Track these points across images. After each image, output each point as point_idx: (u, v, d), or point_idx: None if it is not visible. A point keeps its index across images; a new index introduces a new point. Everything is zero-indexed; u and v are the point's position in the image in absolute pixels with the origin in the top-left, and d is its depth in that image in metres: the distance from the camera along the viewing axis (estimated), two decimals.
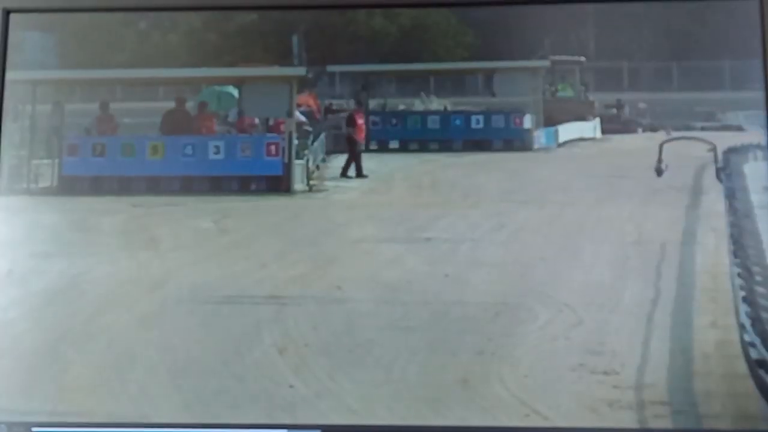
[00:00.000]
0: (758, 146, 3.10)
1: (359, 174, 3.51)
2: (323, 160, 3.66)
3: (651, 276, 3.02)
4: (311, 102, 3.69)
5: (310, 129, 3.65)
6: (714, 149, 3.28)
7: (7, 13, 3.20)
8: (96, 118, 3.50)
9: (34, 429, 2.89)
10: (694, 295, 3.02)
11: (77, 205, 3.36)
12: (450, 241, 3.20)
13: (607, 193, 3.17)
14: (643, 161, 3.18)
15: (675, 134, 3.33)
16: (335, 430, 2.84)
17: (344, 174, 3.53)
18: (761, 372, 2.83)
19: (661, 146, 3.23)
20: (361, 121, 3.60)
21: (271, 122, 3.63)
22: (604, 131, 3.56)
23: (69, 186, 3.42)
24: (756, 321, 2.93)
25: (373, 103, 3.77)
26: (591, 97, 3.62)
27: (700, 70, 3.33)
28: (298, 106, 3.61)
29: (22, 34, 3.26)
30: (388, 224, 3.28)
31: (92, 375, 2.99)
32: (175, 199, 3.39)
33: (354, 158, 3.55)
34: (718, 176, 3.22)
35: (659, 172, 3.19)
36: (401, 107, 3.77)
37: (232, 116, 3.66)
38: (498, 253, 3.15)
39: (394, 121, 3.75)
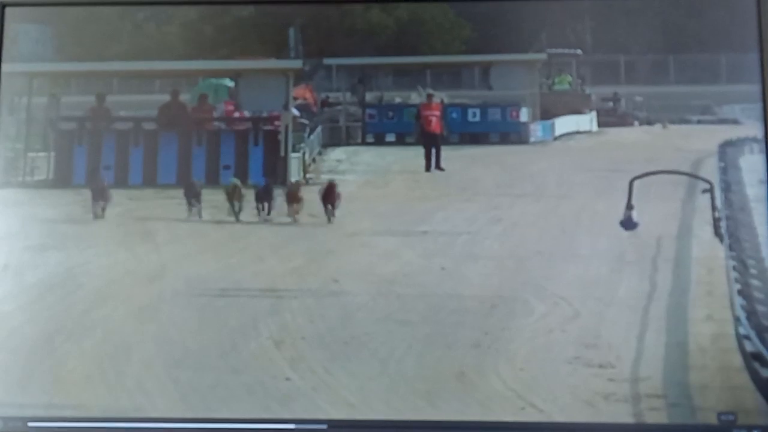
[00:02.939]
0: (754, 139, 3.10)
1: (437, 166, 3.46)
2: (320, 153, 3.65)
3: (647, 269, 3.02)
4: (308, 95, 3.68)
5: (306, 122, 3.64)
6: (710, 190, 3.02)
7: (3, 6, 3.19)
8: (90, 108, 3.48)
9: (30, 424, 2.89)
10: (690, 288, 3.02)
11: (73, 198, 3.35)
12: (446, 234, 3.20)
13: (604, 186, 3.17)
14: (640, 155, 3.18)
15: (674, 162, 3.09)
16: (341, 425, 2.84)
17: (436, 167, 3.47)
18: (756, 365, 2.84)
19: (631, 184, 2.97)
20: (427, 112, 3.56)
21: (264, 114, 3.62)
22: (600, 124, 3.55)
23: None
24: (751, 314, 2.93)
25: (369, 96, 3.76)
26: (587, 90, 3.62)
27: (697, 63, 3.33)
28: (294, 99, 3.60)
29: (18, 26, 3.25)
30: (385, 217, 3.27)
31: (88, 368, 2.98)
32: (171, 192, 3.39)
33: (430, 151, 3.48)
34: (716, 231, 2.97)
35: (628, 223, 2.86)
36: (398, 100, 3.76)
37: (219, 111, 3.63)
38: (494, 246, 3.15)
39: (390, 114, 3.75)
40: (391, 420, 2.83)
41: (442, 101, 3.65)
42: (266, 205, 3.38)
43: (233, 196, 3.37)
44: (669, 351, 2.89)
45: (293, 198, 3.40)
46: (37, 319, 3.06)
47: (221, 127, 3.60)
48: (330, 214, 3.24)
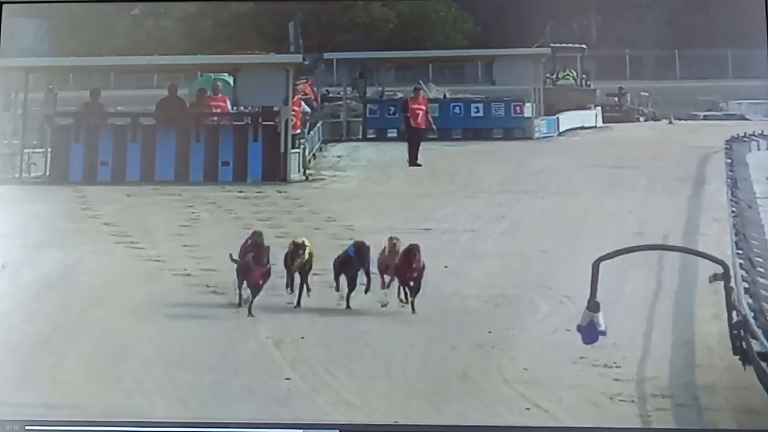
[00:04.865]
0: (761, 136, 3.08)
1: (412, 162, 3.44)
2: (320, 149, 3.63)
3: (653, 268, 2.99)
4: (308, 90, 3.66)
5: (308, 117, 3.63)
6: (724, 276, 2.45)
7: (0, 4, 3.16)
8: (84, 104, 3.46)
9: (28, 427, 2.86)
10: (697, 287, 2.99)
11: (71, 195, 3.32)
12: (449, 231, 3.18)
13: (609, 183, 3.15)
14: (646, 151, 3.16)
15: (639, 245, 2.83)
16: (353, 429, 2.81)
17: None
18: (763, 364, 2.81)
19: (596, 268, 2.62)
20: (415, 106, 3.54)
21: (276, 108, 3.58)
22: (605, 120, 3.54)
23: None
24: (758, 313, 2.91)
25: (370, 91, 3.74)
26: (592, 86, 3.61)
27: (704, 58, 3.31)
28: (296, 93, 3.58)
29: (15, 21, 3.22)
30: (386, 214, 3.25)
31: (86, 368, 2.95)
32: (169, 189, 3.36)
33: (411, 146, 3.46)
34: (734, 345, 2.53)
35: (589, 331, 2.26)
36: (399, 95, 3.74)
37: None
38: (498, 244, 3.13)
39: (392, 109, 3.72)
40: (402, 424, 2.80)
41: (444, 96, 3.63)
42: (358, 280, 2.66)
43: (293, 261, 2.62)
44: (675, 350, 2.86)
45: (388, 264, 2.57)
46: (35, 318, 3.03)
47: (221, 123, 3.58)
48: (409, 299, 2.56)
